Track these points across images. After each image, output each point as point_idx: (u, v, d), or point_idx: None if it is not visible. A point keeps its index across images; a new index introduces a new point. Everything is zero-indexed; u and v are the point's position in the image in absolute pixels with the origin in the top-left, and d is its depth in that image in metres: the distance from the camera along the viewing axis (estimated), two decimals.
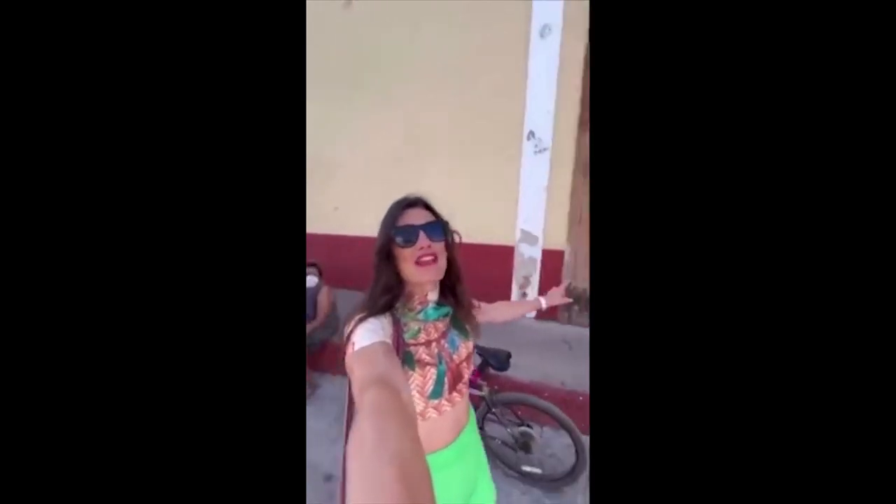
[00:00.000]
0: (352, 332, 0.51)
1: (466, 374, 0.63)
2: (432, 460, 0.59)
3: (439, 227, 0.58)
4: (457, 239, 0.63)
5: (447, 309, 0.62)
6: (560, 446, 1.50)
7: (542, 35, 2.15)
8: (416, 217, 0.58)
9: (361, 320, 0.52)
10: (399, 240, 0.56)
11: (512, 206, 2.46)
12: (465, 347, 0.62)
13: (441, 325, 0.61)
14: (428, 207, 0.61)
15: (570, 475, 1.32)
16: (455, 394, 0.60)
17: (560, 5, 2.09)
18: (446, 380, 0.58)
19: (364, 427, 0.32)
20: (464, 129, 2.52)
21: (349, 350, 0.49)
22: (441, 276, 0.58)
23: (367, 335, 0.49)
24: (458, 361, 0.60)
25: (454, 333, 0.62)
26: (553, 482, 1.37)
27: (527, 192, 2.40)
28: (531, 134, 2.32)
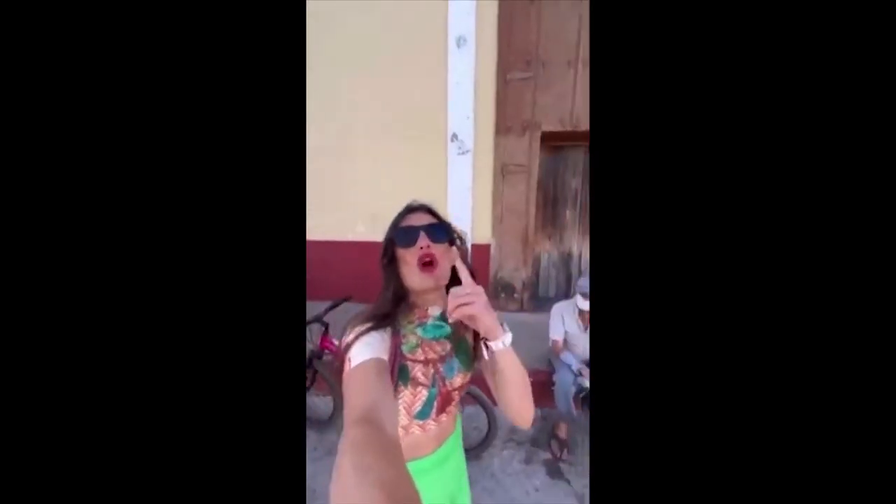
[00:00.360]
0: (350, 345, 0.50)
1: (457, 399, 0.62)
2: (411, 467, 0.60)
3: (442, 229, 0.56)
4: (461, 245, 0.60)
5: (446, 330, 0.59)
6: (483, 419, 1.71)
7: (458, 45, 2.29)
8: (419, 219, 0.57)
9: (361, 334, 0.50)
10: (399, 240, 0.55)
11: (442, 204, 2.60)
12: (461, 377, 0.59)
13: (439, 348, 0.58)
14: (432, 212, 0.60)
15: (485, 442, 1.53)
16: (443, 415, 0.59)
17: (472, 19, 2.25)
18: (436, 403, 0.57)
19: (344, 464, 0.32)
20: (391, 132, 2.57)
21: (346, 366, 0.48)
22: (444, 281, 0.57)
23: (364, 349, 0.48)
24: (450, 388, 0.58)
25: (455, 361, 0.59)
26: (472, 451, 1.57)
27: (454, 191, 2.56)
28: (454, 136, 2.47)
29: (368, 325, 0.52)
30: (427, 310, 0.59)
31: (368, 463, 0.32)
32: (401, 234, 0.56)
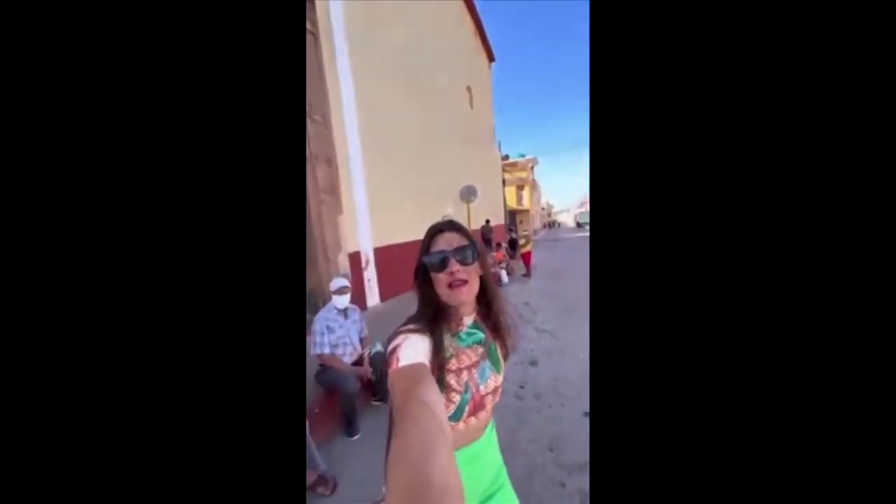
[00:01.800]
0: (396, 348, 0.54)
1: (489, 405, 0.65)
2: None
3: (469, 251, 0.61)
4: (484, 261, 0.64)
5: (480, 336, 0.65)
6: None
7: None
8: (448, 242, 0.62)
9: (405, 338, 0.55)
10: (430, 265, 0.60)
11: None
12: (493, 380, 0.65)
13: (473, 355, 0.63)
14: (459, 230, 0.64)
15: None
16: (472, 418, 0.62)
17: None
18: (467, 408, 0.61)
19: (407, 438, 0.34)
20: None
21: (394, 365, 0.52)
22: (472, 296, 0.62)
23: (409, 353, 0.52)
24: (483, 393, 0.63)
25: (487, 365, 0.65)
26: None
27: None
28: None
29: (413, 328, 0.58)
30: (462, 319, 0.65)
31: (429, 445, 0.33)
32: (432, 259, 0.61)
